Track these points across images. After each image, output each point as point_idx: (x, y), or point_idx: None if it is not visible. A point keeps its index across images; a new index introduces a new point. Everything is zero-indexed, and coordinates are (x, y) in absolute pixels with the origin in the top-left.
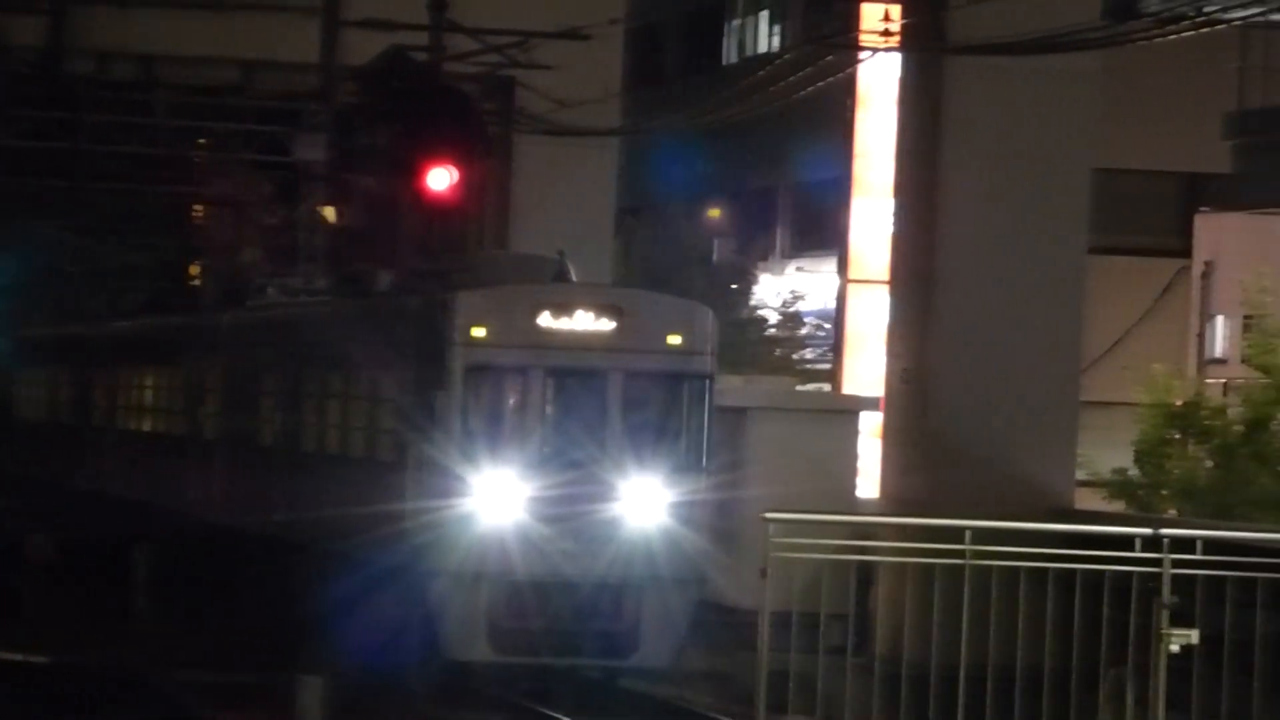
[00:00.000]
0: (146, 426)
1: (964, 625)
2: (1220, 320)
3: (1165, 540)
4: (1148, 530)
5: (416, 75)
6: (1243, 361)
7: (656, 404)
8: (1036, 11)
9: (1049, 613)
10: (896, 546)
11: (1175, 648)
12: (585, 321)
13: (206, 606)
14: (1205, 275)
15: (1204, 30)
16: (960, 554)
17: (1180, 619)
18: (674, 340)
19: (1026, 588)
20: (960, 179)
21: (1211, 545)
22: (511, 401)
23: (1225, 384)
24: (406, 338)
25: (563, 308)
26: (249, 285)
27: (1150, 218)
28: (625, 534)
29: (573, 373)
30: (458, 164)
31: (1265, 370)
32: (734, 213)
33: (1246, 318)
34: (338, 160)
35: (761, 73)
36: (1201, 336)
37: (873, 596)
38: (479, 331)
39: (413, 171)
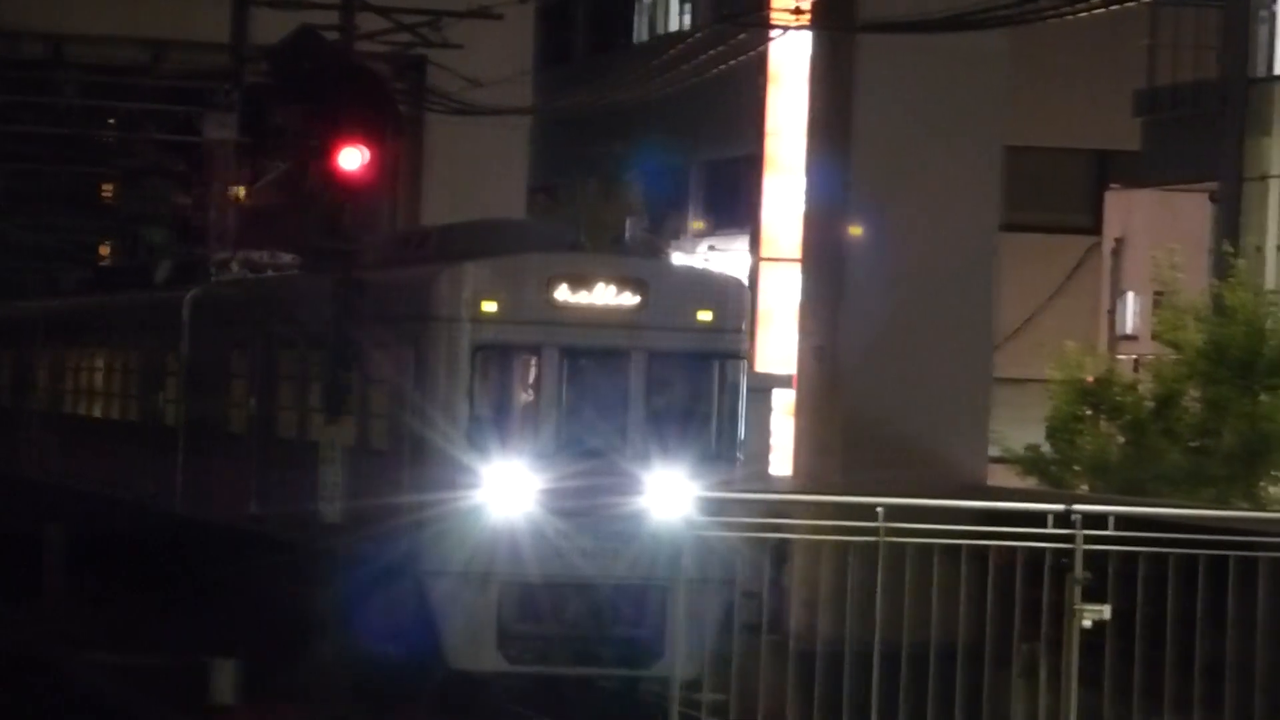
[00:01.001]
0: (98, 412)
1: (878, 602)
2: (1131, 297)
3: (1077, 517)
4: (1060, 506)
5: (327, 54)
6: (1153, 338)
7: (684, 386)
8: None
9: (962, 589)
10: (811, 524)
11: (1088, 623)
12: (606, 295)
13: (175, 607)
14: (1116, 252)
15: (1113, 8)
16: (874, 531)
17: (1092, 595)
18: (703, 316)
19: (940, 565)
20: (871, 157)
21: (1123, 521)
22: (524, 383)
23: (1136, 360)
24: (406, 312)
25: (581, 280)
26: (207, 260)
27: (1061, 195)
28: (649, 530)
29: (592, 352)
30: (369, 143)
31: (1176, 346)
32: (646, 191)
33: (1157, 294)
34: (248, 140)
35: (673, 51)
36: (1112, 313)
37: (787, 574)
38: (489, 306)
39: (324, 151)
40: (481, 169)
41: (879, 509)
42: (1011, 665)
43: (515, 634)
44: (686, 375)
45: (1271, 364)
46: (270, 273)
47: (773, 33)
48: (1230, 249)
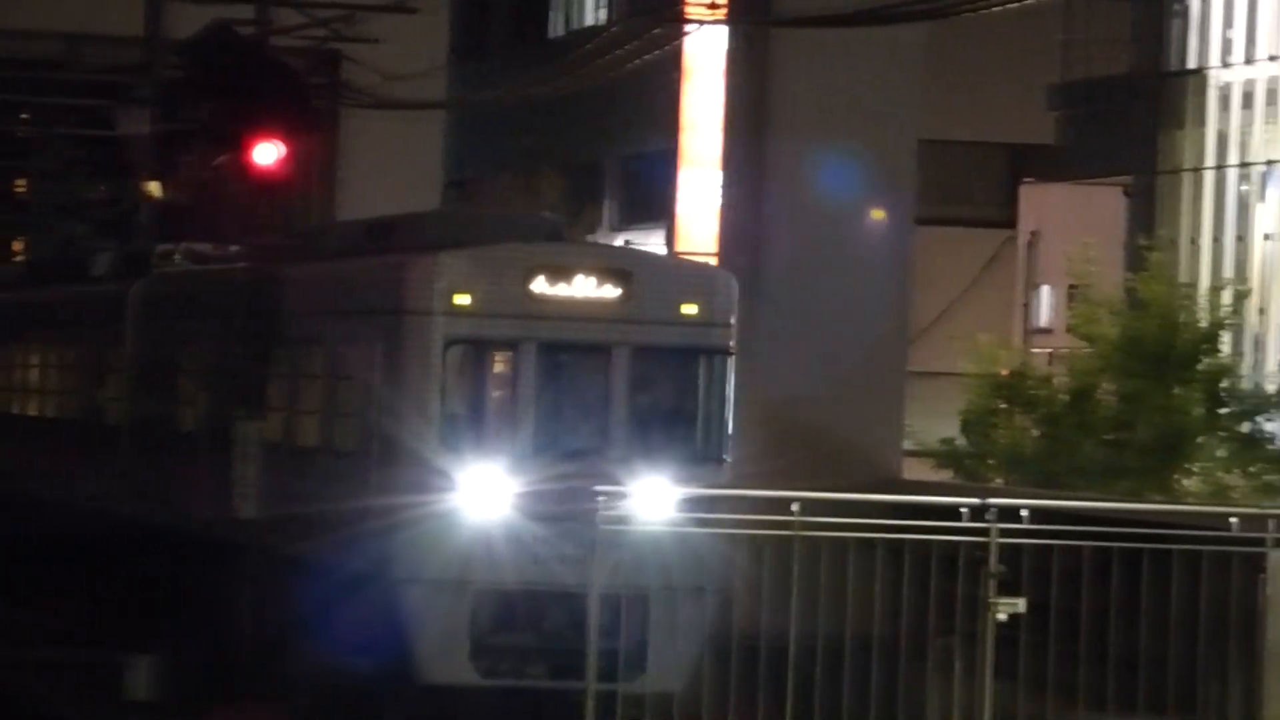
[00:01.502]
0: (35, 410)
1: (793, 596)
2: (1045, 290)
3: (992, 510)
4: (975, 500)
5: (242, 49)
6: (1068, 331)
7: (669, 384)
8: None
9: (878, 583)
10: (726, 518)
11: (1003, 616)
12: (587, 288)
13: (104, 606)
14: (1030, 246)
15: (1028, 2)
16: (789, 525)
17: (1007, 588)
18: (689, 310)
19: (855, 558)
20: (787, 151)
21: (1038, 514)
22: (500, 381)
23: (1051, 354)
24: (374, 305)
25: (561, 272)
26: (149, 253)
27: (976, 189)
28: (632, 536)
29: (572, 347)
30: (284, 138)
31: (1090, 340)
32: (562, 185)
33: (1071, 287)
34: (162, 135)
35: (588, 46)
36: (1027, 307)
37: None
38: (463, 299)
39: (239, 146)
40: (396, 163)
41: (795, 503)
42: (927, 659)
43: (491, 645)
44: (671, 372)
45: (1185, 357)
46: (215, 264)
47: (688, 27)
48: (1144, 242)
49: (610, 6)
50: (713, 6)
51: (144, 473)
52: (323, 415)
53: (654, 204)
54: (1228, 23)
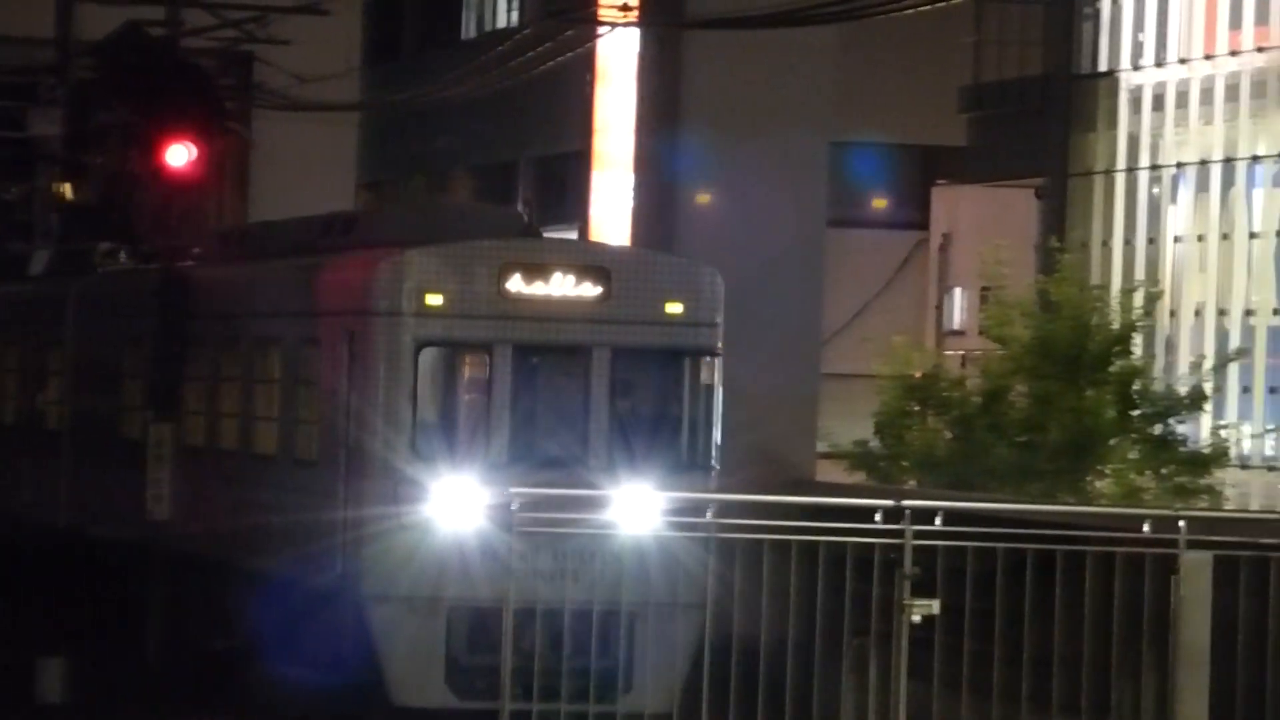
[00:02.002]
0: None
1: (708, 599)
2: (958, 292)
3: (906, 512)
4: (889, 502)
5: (153, 50)
6: (980, 333)
7: (652, 387)
8: None
9: (792, 585)
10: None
11: (917, 618)
12: (565, 286)
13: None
14: (943, 247)
15: (939, 4)
16: (705, 527)
17: (921, 589)
18: (673, 309)
19: (770, 560)
20: (699, 152)
21: (951, 516)
22: (474, 385)
23: (963, 356)
24: (337, 306)
25: (537, 269)
26: (89, 251)
27: (888, 191)
28: (615, 549)
29: (550, 349)
30: (196, 140)
31: (1002, 342)
32: (475, 186)
33: (984, 289)
34: (73, 136)
35: (501, 47)
36: (940, 308)
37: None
38: (434, 298)
39: (150, 148)
40: (309, 165)
41: (709, 506)
42: (842, 660)
43: (466, 666)
44: (655, 374)
45: (1097, 359)
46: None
47: (600, 29)
48: (1056, 244)
49: (522, 8)
50: (625, 9)
51: (86, 482)
52: (281, 422)
53: (567, 205)
54: (1138, 26)
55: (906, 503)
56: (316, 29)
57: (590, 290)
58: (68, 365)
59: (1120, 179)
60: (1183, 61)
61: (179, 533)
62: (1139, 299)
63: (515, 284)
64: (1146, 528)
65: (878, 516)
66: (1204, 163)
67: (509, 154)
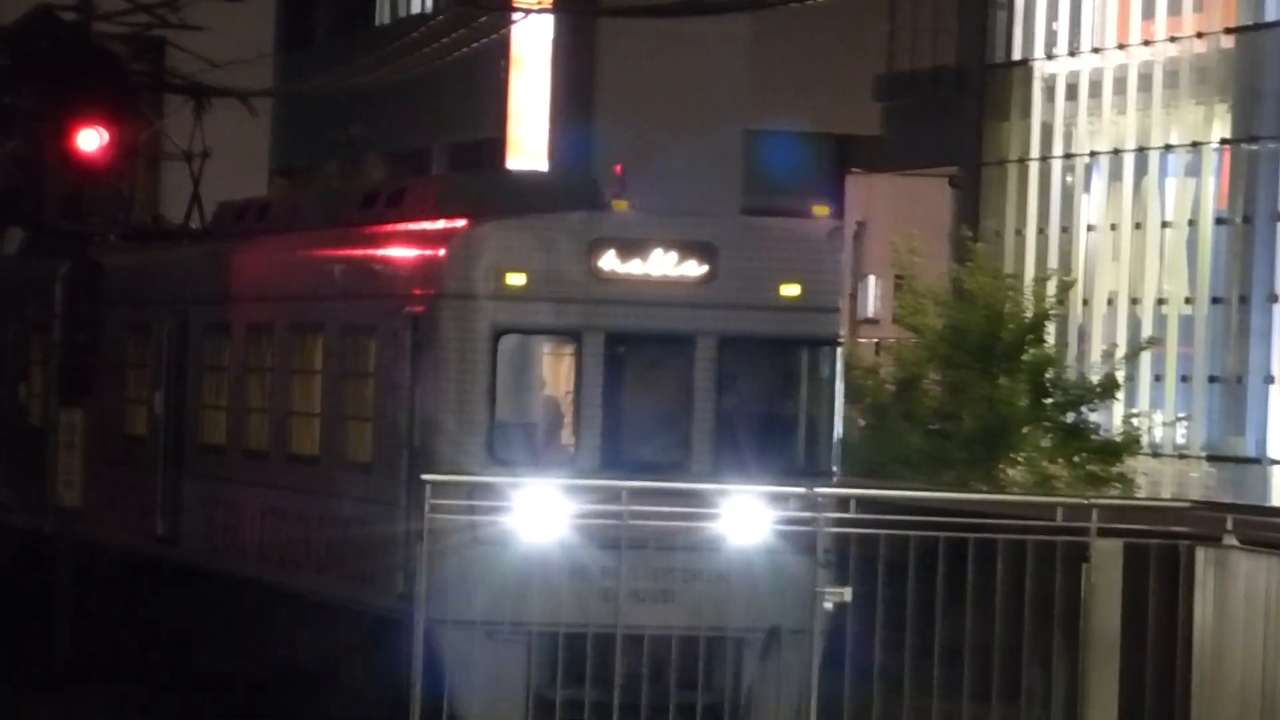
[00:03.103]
0: None
1: (619, 589)
2: (872, 280)
3: (820, 499)
4: (802, 490)
5: (64, 35)
6: (894, 321)
7: (765, 381)
8: None
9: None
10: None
11: (829, 605)
12: (665, 264)
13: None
14: (857, 236)
15: None
16: (621, 515)
17: (837, 576)
18: (789, 290)
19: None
20: (613, 140)
21: (864, 504)
22: (559, 378)
23: (877, 344)
24: (398, 288)
25: (633, 245)
26: (68, 228)
27: (802, 179)
28: (721, 566)
29: (648, 337)
30: (107, 125)
31: (916, 330)
32: (390, 173)
33: (897, 278)
34: None
35: (414, 34)
36: (854, 297)
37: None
38: (515, 278)
39: (61, 132)
40: (221, 152)
41: (623, 492)
42: (756, 648)
43: (549, 699)
44: (767, 366)
45: (1009, 347)
46: (162, 241)
47: (515, 16)
48: (969, 233)
49: None
50: None
51: (88, 484)
52: (324, 419)
53: None
54: (1052, 15)
55: (820, 490)
56: (229, 15)
57: (694, 269)
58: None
59: (1034, 168)
60: (1096, 50)
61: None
62: (1052, 288)
63: (608, 262)
64: (1058, 516)
65: (792, 504)
66: (1117, 152)
67: (423, 141)
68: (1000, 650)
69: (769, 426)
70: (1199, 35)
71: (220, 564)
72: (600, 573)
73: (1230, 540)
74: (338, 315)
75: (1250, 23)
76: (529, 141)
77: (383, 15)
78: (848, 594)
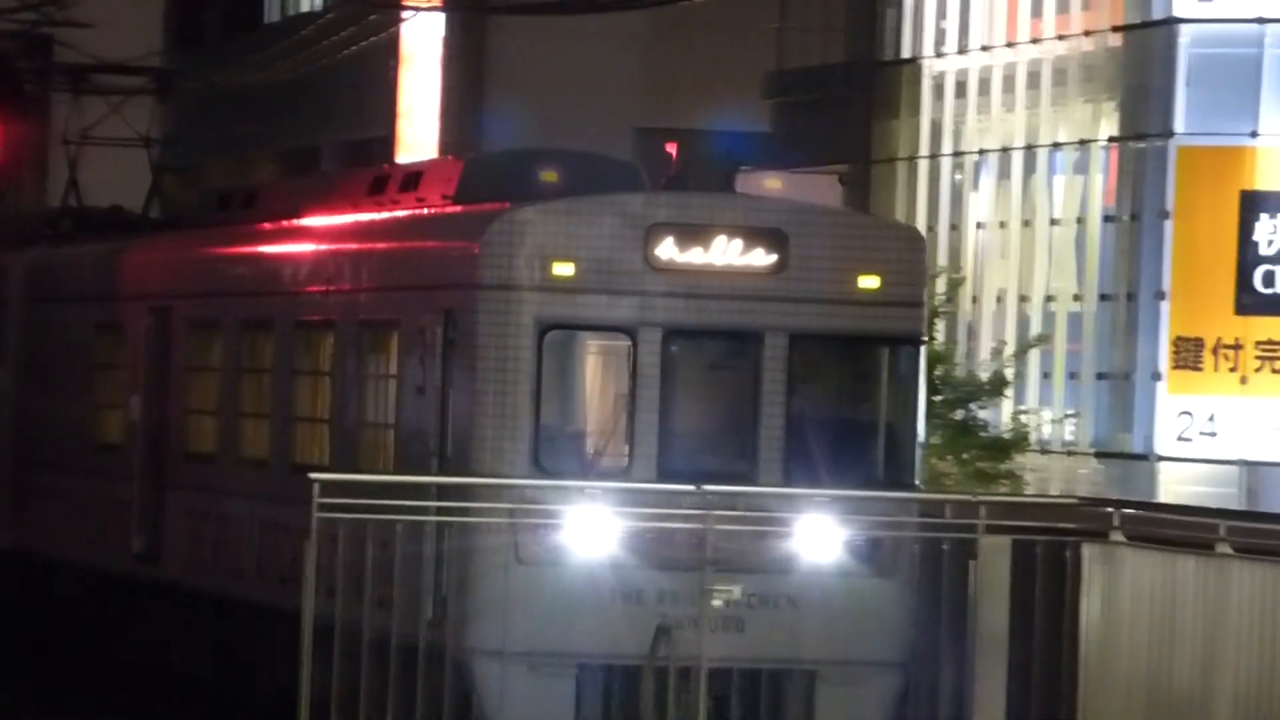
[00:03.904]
0: None
1: (504, 604)
2: None
3: (709, 495)
4: (692, 488)
5: None
6: None
7: (841, 382)
8: None
9: None
10: (444, 506)
11: (719, 602)
12: (730, 253)
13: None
14: None
15: None
16: (502, 511)
17: (724, 575)
18: (867, 283)
19: None
20: (505, 138)
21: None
22: (612, 380)
23: None
24: (430, 277)
25: (694, 232)
26: (29, 215)
27: (692, 176)
28: (792, 590)
29: (711, 335)
30: None
31: None
32: (281, 171)
33: None
34: None
35: (304, 32)
36: None
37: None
38: (563, 268)
39: None
40: (110, 150)
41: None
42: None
43: None
44: (843, 366)
45: None
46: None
47: (405, 14)
48: None
49: None
50: None
51: (32, 496)
52: (336, 425)
53: None
54: (941, 13)
55: (707, 489)
56: (118, 12)
57: (762, 259)
58: (14, 354)
59: (923, 165)
60: (985, 49)
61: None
62: (941, 285)
63: (666, 250)
64: (947, 513)
65: (683, 503)
66: (1006, 149)
67: (312, 139)
68: None
69: (845, 433)
70: (1087, 34)
71: (209, 583)
72: (657, 597)
73: (1117, 536)
74: (351, 311)
75: (1138, 21)
76: (419, 140)
77: (272, 13)
78: (737, 592)
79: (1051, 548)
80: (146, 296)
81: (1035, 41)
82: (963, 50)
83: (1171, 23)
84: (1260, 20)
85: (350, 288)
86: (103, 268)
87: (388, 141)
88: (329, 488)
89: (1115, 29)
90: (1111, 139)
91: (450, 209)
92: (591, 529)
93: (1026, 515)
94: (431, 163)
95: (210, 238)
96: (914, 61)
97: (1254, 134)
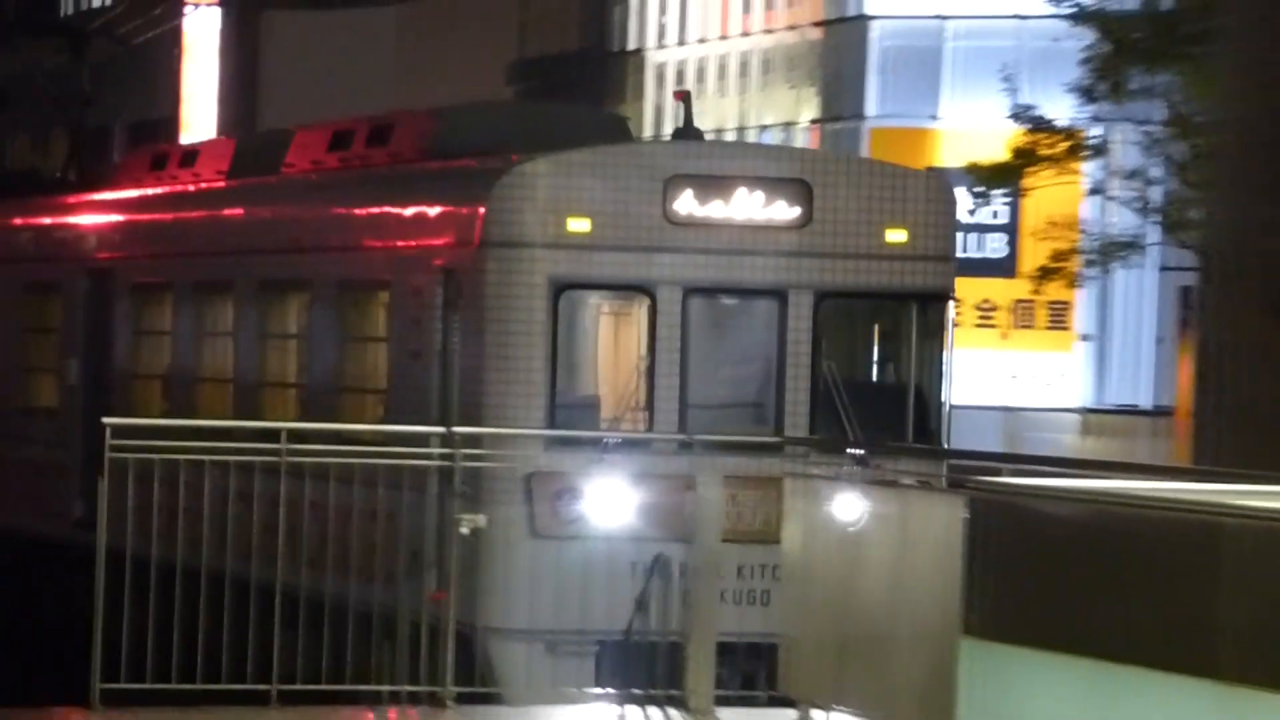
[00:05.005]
0: None
1: (281, 519)
2: None
3: (456, 437)
4: (443, 430)
5: None
6: None
7: (869, 341)
8: None
9: (356, 504)
10: (221, 446)
11: (465, 530)
12: (752, 206)
13: None
14: None
15: None
16: (277, 453)
17: (469, 505)
18: (895, 236)
19: (336, 484)
20: (275, 120)
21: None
22: (631, 344)
23: None
24: (426, 234)
25: (715, 184)
26: None
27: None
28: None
29: (735, 293)
30: None
31: None
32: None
33: None
34: None
35: (95, 24)
36: None
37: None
38: (578, 223)
39: None
40: None
41: (283, 431)
42: (398, 566)
43: None
44: (870, 324)
45: None
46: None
47: (185, 9)
48: None
49: None
50: None
51: None
52: (336, 391)
53: None
54: (662, 9)
55: (456, 430)
56: None
57: (785, 211)
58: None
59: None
60: (701, 41)
61: None
62: None
63: (685, 203)
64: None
65: (434, 441)
66: (720, 130)
67: (105, 119)
68: None
69: (872, 394)
70: (791, 28)
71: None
72: (679, 570)
73: (815, 472)
74: (328, 271)
75: (835, 16)
76: (199, 121)
77: (67, 7)
78: (482, 520)
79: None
80: (84, 258)
81: (745, 35)
82: (682, 42)
83: (864, 18)
84: (940, 16)
85: (340, 245)
86: (25, 230)
87: (172, 122)
88: (121, 431)
89: (815, 24)
90: (813, 121)
91: (438, 164)
92: (612, 498)
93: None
94: (397, 114)
95: (155, 198)
96: (639, 52)
97: (934, 117)
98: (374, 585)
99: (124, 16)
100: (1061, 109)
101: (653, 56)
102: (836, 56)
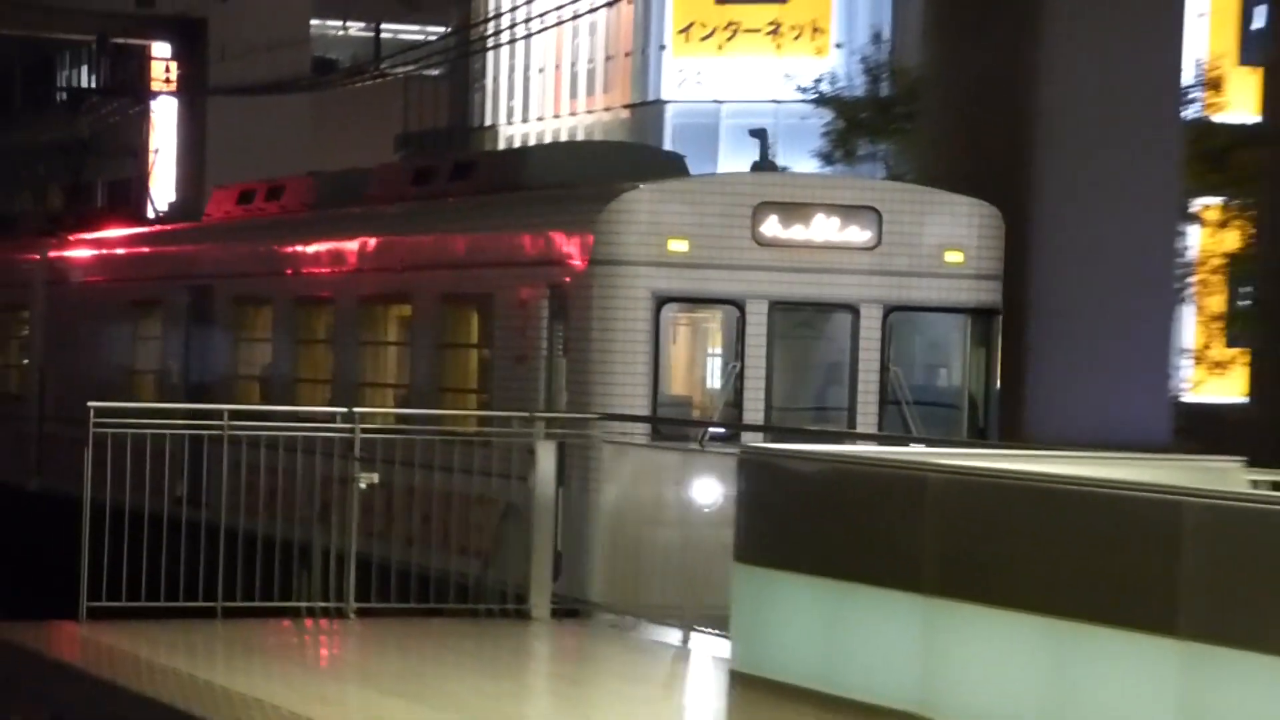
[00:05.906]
0: None
1: (223, 485)
2: None
3: (356, 415)
4: (345, 409)
5: None
6: None
7: (929, 352)
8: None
9: (280, 467)
10: (177, 423)
11: (364, 485)
12: (827, 230)
13: None
14: None
15: (379, 80)
16: (219, 427)
17: (366, 466)
18: (953, 257)
19: (267, 453)
20: (223, 180)
21: (390, 419)
22: (720, 350)
23: None
24: (536, 254)
25: (796, 210)
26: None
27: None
28: None
29: (813, 307)
30: None
31: None
32: (65, 201)
33: None
34: None
35: (83, 107)
36: None
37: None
38: (678, 244)
39: None
40: None
41: (225, 411)
42: (311, 522)
43: None
44: (931, 336)
45: None
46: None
47: (152, 95)
48: None
49: (98, 79)
50: (167, 80)
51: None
52: (443, 400)
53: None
54: (511, 94)
55: (356, 410)
56: None
57: (858, 235)
58: (47, 334)
59: None
60: (539, 119)
61: None
62: None
63: (771, 227)
64: (514, 425)
65: (338, 419)
66: None
67: (91, 177)
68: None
69: (932, 397)
70: (606, 109)
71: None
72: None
73: (630, 439)
74: (453, 285)
75: (639, 100)
76: (163, 179)
77: (62, 80)
78: (375, 477)
79: (582, 446)
80: (189, 276)
81: (573, 114)
82: (525, 120)
83: (660, 102)
84: (717, 101)
85: (447, 263)
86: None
87: (141, 180)
88: (103, 412)
89: (625, 106)
90: None
91: (554, 191)
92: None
93: (568, 426)
94: (482, 154)
95: (259, 226)
96: (493, 127)
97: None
98: (294, 525)
99: (105, 100)
100: (809, 168)
101: (504, 130)
102: (641, 131)
